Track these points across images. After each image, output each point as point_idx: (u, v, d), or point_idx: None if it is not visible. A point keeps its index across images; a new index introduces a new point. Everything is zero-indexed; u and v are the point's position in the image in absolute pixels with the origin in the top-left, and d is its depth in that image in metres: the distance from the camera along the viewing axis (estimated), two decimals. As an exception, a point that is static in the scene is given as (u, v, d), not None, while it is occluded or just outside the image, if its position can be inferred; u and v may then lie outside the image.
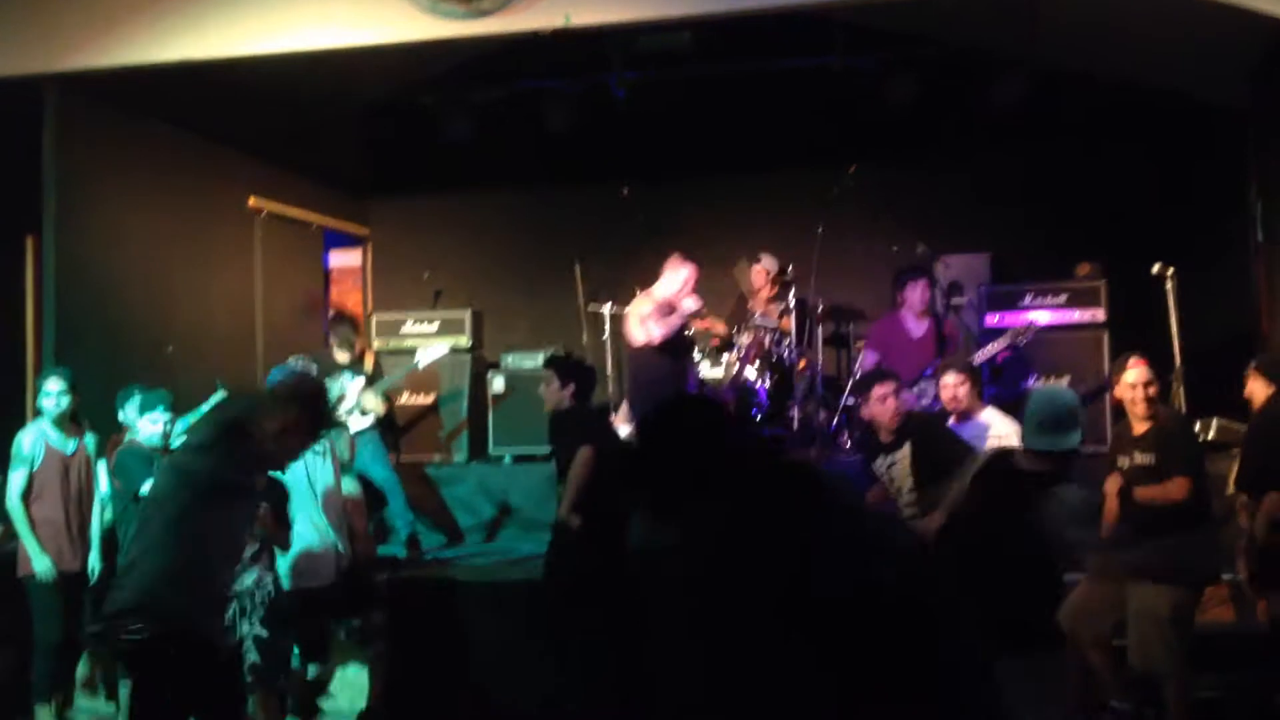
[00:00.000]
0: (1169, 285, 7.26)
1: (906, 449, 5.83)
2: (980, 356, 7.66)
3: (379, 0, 6.69)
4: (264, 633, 5.65)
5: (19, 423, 6.85)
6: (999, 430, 6.14)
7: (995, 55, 9.20)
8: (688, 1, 6.51)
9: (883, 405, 5.91)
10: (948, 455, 5.61)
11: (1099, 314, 8.44)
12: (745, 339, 9.15)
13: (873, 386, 6.01)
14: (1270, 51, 7.65)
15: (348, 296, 11.93)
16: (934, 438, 5.92)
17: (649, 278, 9.35)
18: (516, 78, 10.02)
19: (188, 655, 3.98)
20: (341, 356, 8.23)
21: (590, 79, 9.91)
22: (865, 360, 8.06)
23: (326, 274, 11.45)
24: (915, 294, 8.02)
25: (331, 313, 9.03)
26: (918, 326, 8.04)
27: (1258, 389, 5.77)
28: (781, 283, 9.46)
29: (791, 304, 9.25)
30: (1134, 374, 5.52)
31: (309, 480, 5.95)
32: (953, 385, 6.34)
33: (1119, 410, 6.07)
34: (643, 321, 8.27)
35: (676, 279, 8.39)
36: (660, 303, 8.27)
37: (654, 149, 10.31)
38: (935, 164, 10.16)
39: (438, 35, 6.74)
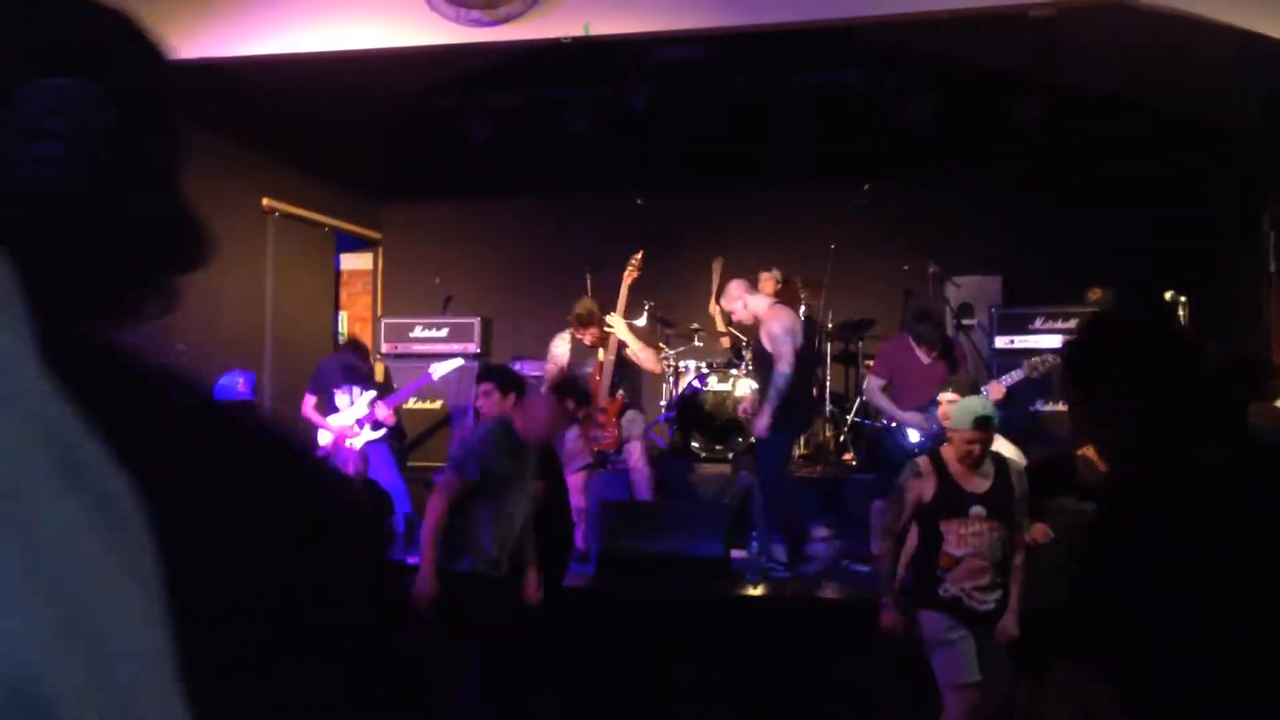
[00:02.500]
0: (1181, 312, 7.24)
1: None
2: (1002, 383, 7.44)
3: (400, 4, 6.70)
4: None
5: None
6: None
7: (1013, 77, 9.19)
8: (706, 14, 6.51)
9: None
10: None
11: (1110, 339, 8.40)
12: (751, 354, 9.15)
13: None
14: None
15: (357, 300, 11.94)
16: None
17: (658, 288, 9.36)
18: (533, 85, 10.03)
19: None
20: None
21: (607, 88, 9.92)
22: (871, 382, 7.91)
23: (337, 276, 11.47)
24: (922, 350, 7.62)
25: (343, 339, 8.97)
26: (927, 353, 7.66)
27: None
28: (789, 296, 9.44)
29: (802, 319, 9.23)
30: None
31: None
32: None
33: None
34: None
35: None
36: None
37: (669, 160, 10.32)
38: (950, 184, 10.15)
39: (458, 41, 6.76)
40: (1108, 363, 2.17)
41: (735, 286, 7.75)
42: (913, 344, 7.63)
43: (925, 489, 4.96)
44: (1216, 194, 9.18)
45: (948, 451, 5.00)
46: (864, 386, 8.29)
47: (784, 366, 7.21)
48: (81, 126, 0.85)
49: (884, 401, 7.65)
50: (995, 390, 7.09)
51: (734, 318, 7.74)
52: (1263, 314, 8.98)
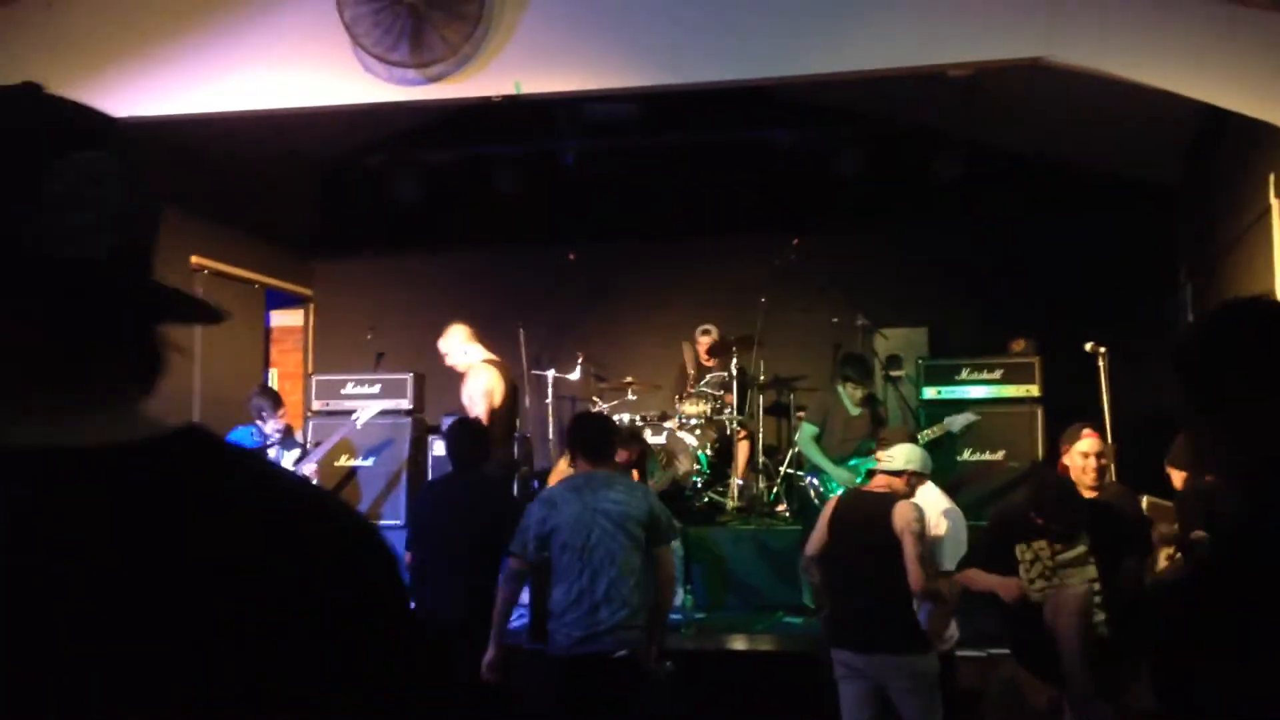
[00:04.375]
0: (1101, 362, 7.40)
1: (1084, 538, 5.21)
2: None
3: (331, 62, 6.72)
4: None
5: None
6: (938, 506, 5.92)
7: (935, 134, 9.40)
8: (635, 73, 6.60)
9: (1085, 460, 5.44)
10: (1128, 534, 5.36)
11: (1033, 389, 8.58)
12: (688, 407, 9.20)
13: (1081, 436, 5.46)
14: (1200, 135, 7.90)
15: (288, 357, 11.85)
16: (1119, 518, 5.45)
17: (591, 342, 9.39)
18: (466, 141, 10.08)
19: None
20: (267, 427, 8.11)
21: (539, 145, 9.99)
22: (804, 430, 8.01)
23: (268, 333, 11.37)
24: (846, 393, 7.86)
25: (254, 387, 8.94)
26: (855, 402, 7.85)
27: (1175, 478, 5.89)
28: (723, 350, 9.53)
29: (733, 373, 9.32)
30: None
31: None
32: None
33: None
34: None
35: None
36: None
37: (600, 216, 10.41)
38: (876, 238, 10.33)
39: (389, 99, 6.78)
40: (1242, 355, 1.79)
41: (458, 332, 8.04)
42: (841, 394, 7.76)
43: None
44: (1135, 246, 9.42)
45: None
46: (796, 436, 8.39)
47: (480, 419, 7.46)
48: (110, 198, 0.97)
49: (814, 450, 7.75)
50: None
51: (447, 361, 7.98)
52: (1181, 363, 9.18)
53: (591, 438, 5.40)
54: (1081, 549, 5.17)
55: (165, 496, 0.98)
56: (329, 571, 1.01)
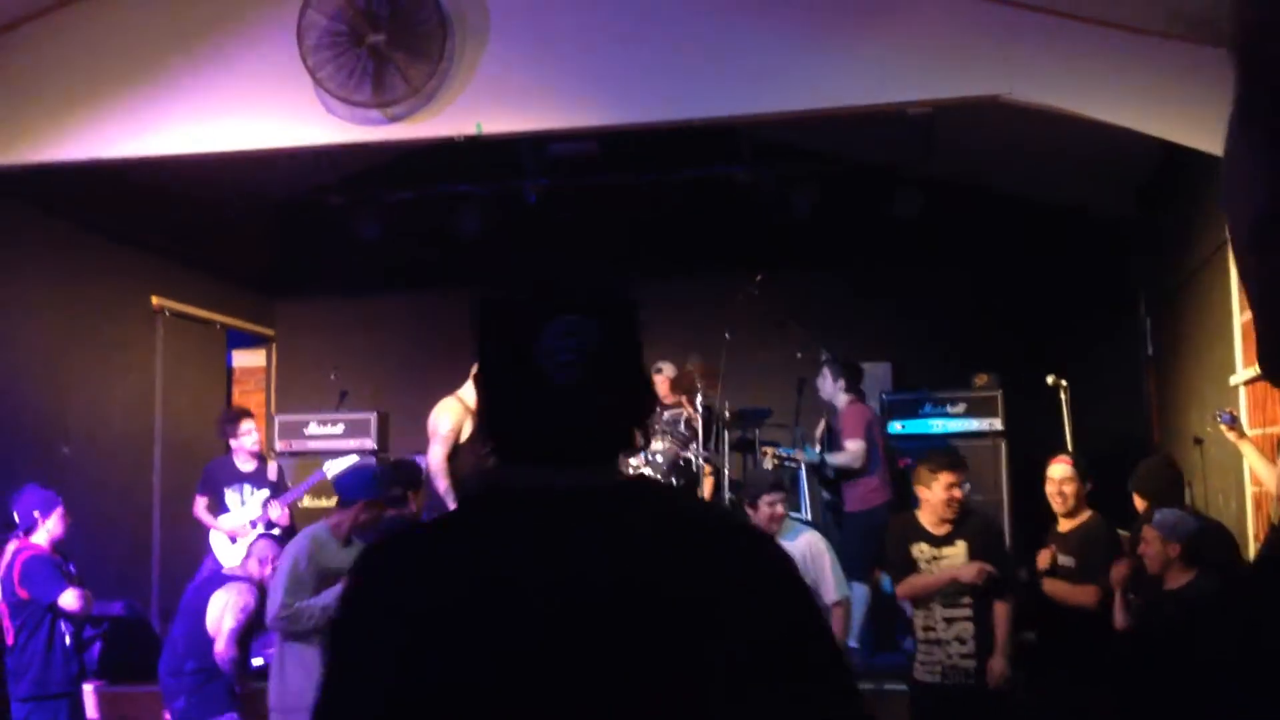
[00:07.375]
0: (1063, 396, 7.45)
1: (961, 546, 5.44)
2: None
3: (292, 103, 6.71)
4: None
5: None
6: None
7: (895, 170, 9.47)
8: (595, 113, 6.63)
9: (947, 493, 5.49)
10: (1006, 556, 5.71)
11: (996, 423, 8.62)
12: (655, 444, 9.17)
13: (940, 473, 5.53)
14: (1156, 170, 8.00)
15: (250, 398, 11.75)
16: (998, 536, 5.88)
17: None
18: (428, 180, 10.06)
19: None
20: (245, 465, 8.07)
21: (501, 183, 9.98)
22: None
23: (229, 374, 11.29)
24: None
25: (222, 412, 8.89)
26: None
27: (1138, 503, 5.92)
28: (687, 386, 9.51)
29: (699, 408, 9.30)
30: (1055, 469, 5.69)
31: None
32: (768, 505, 5.71)
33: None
34: None
35: None
36: None
37: (563, 254, 10.38)
38: (838, 274, 10.38)
39: (351, 139, 6.77)
40: None
41: None
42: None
43: None
44: (1094, 281, 9.51)
45: None
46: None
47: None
48: (583, 344, 1.46)
49: None
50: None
51: None
52: (1142, 396, 9.28)
53: None
54: (957, 553, 5.42)
55: (640, 515, 1.47)
56: (763, 583, 1.45)
